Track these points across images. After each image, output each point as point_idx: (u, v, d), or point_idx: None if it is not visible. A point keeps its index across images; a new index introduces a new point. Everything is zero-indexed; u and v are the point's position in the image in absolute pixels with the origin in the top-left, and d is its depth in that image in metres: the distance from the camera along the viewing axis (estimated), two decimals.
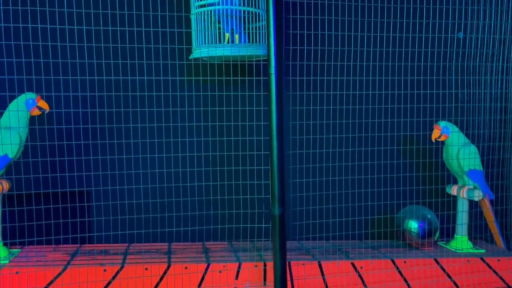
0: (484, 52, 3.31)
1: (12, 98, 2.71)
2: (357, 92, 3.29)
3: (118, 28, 2.88)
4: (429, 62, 3.25)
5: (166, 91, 3.05)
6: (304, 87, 3.20)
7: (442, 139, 3.19)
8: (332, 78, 3.23)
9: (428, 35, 3.26)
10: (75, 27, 2.80)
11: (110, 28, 2.86)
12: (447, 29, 3.29)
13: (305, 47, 3.01)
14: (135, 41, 2.92)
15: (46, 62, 2.83)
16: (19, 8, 2.70)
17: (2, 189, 2.61)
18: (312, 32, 3.08)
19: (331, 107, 3.26)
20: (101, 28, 2.85)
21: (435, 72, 3.31)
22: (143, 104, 3.04)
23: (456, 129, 3.20)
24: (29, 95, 2.62)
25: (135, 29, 2.89)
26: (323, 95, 3.21)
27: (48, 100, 2.88)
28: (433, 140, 3.19)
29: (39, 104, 2.64)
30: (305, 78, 3.15)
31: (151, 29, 2.87)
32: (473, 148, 3.18)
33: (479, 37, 3.29)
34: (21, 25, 2.71)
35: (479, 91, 3.37)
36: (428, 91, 3.29)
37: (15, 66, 2.78)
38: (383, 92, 3.28)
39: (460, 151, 3.15)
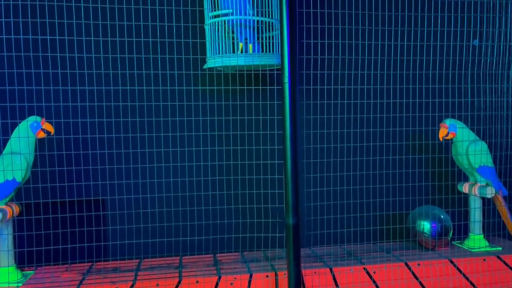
0: (500, 60, 3.28)
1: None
2: (371, 101, 3.27)
3: (134, 39, 2.92)
4: (444, 70, 3.23)
5: (181, 101, 3.08)
6: (318, 96, 3.20)
7: (449, 137, 3.13)
8: (346, 87, 3.22)
9: (443, 43, 3.24)
10: (92, 38, 2.86)
11: (126, 38, 2.91)
12: (462, 37, 3.27)
13: (319, 56, 3.02)
14: (151, 51, 2.96)
15: (63, 72, 2.89)
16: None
17: (13, 213, 2.63)
18: (326, 41, 3.09)
19: (345, 116, 3.25)
20: (117, 39, 2.90)
21: (450, 80, 3.28)
22: (158, 114, 3.08)
23: (463, 126, 3.14)
24: (34, 118, 2.67)
25: (150, 39, 2.93)
26: (337, 104, 3.20)
27: (65, 110, 2.93)
28: (441, 139, 3.14)
29: (44, 127, 2.68)
30: (318, 87, 3.15)
31: (166, 39, 2.91)
32: (482, 144, 3.13)
33: (495, 45, 3.26)
34: (32, 36, 2.77)
35: (495, 99, 3.33)
36: (444, 100, 3.26)
37: (33, 76, 2.84)
38: (398, 100, 3.26)
39: (470, 148, 3.09)
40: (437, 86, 3.28)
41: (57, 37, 2.78)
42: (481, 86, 3.30)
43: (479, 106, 3.38)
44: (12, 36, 2.76)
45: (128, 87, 2.99)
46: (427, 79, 3.33)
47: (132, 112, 3.05)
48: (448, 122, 3.13)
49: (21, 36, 2.72)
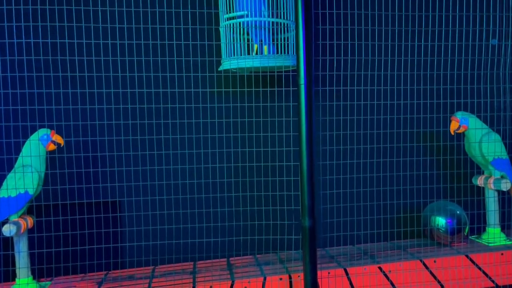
0: None
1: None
2: (388, 102, 3.24)
3: (150, 42, 2.95)
4: (462, 70, 3.18)
5: (197, 103, 3.09)
6: (334, 97, 3.18)
7: (461, 130, 3.07)
8: (362, 88, 3.20)
9: (462, 43, 3.19)
10: (109, 41, 2.89)
11: (142, 42, 2.94)
12: (481, 37, 3.22)
13: (335, 57, 3.00)
14: (167, 54, 2.98)
15: (81, 75, 2.92)
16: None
17: (27, 225, 2.66)
18: (342, 42, 3.07)
19: (362, 117, 3.22)
20: (134, 42, 2.92)
21: (469, 80, 3.23)
22: (174, 116, 3.09)
23: (475, 118, 3.09)
24: (44, 131, 2.70)
25: (166, 42, 2.95)
26: (353, 105, 3.18)
27: (83, 112, 2.97)
28: (452, 133, 3.09)
29: (53, 139, 2.70)
30: (334, 88, 3.13)
31: (182, 42, 2.92)
32: (496, 136, 3.07)
33: None
34: (52, 40, 2.81)
35: None
36: (462, 100, 3.21)
37: (52, 80, 2.88)
38: (415, 101, 3.23)
39: (483, 141, 3.04)
40: (455, 86, 3.24)
41: (76, 41, 2.82)
42: (501, 86, 3.25)
43: (499, 106, 3.32)
44: (31, 40, 2.81)
45: (145, 90, 3.02)
46: (445, 79, 3.28)
47: (149, 114, 3.08)
48: (459, 115, 3.07)
49: (40, 40, 2.77)
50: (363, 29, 3.10)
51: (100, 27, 2.86)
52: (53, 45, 2.84)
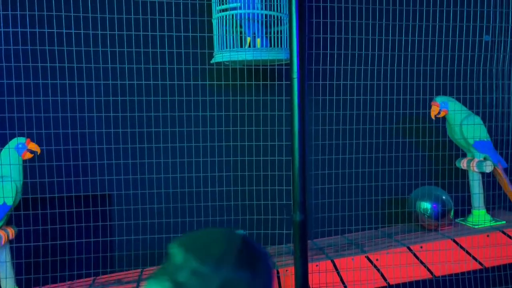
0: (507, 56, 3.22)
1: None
2: (381, 97, 3.23)
3: (141, 33, 2.89)
4: (455, 66, 3.17)
5: (188, 96, 3.05)
6: (327, 92, 3.16)
7: (442, 115, 3.06)
8: (355, 82, 3.18)
9: (455, 39, 3.18)
10: (99, 32, 2.83)
11: (133, 32, 2.88)
12: (475, 33, 3.20)
13: (328, 51, 2.97)
14: (158, 45, 2.94)
15: (70, 66, 2.87)
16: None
17: (8, 237, 2.59)
18: (336, 35, 3.04)
19: (355, 112, 3.21)
20: (125, 32, 2.87)
21: (462, 76, 3.23)
22: (165, 109, 3.05)
23: (455, 102, 3.08)
24: (19, 140, 2.62)
25: (157, 33, 2.90)
26: (346, 100, 3.16)
27: (72, 104, 2.91)
28: (433, 118, 3.07)
29: (29, 147, 2.62)
30: (327, 82, 3.11)
31: (174, 33, 2.87)
32: (476, 119, 3.06)
33: (508, 41, 3.20)
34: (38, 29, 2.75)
35: (509, 96, 3.27)
36: (455, 96, 3.21)
37: (40, 70, 2.82)
38: (408, 96, 3.21)
39: (463, 124, 3.04)
40: (448, 82, 3.23)
41: (64, 30, 2.76)
42: (493, 82, 3.25)
43: (490, 102, 3.33)
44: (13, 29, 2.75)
45: (135, 82, 2.97)
46: (438, 75, 3.27)
47: (139, 107, 3.03)
48: (439, 99, 3.06)
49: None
50: (356, 23, 3.07)
51: (90, 17, 2.80)
52: (40, 33, 2.78)
